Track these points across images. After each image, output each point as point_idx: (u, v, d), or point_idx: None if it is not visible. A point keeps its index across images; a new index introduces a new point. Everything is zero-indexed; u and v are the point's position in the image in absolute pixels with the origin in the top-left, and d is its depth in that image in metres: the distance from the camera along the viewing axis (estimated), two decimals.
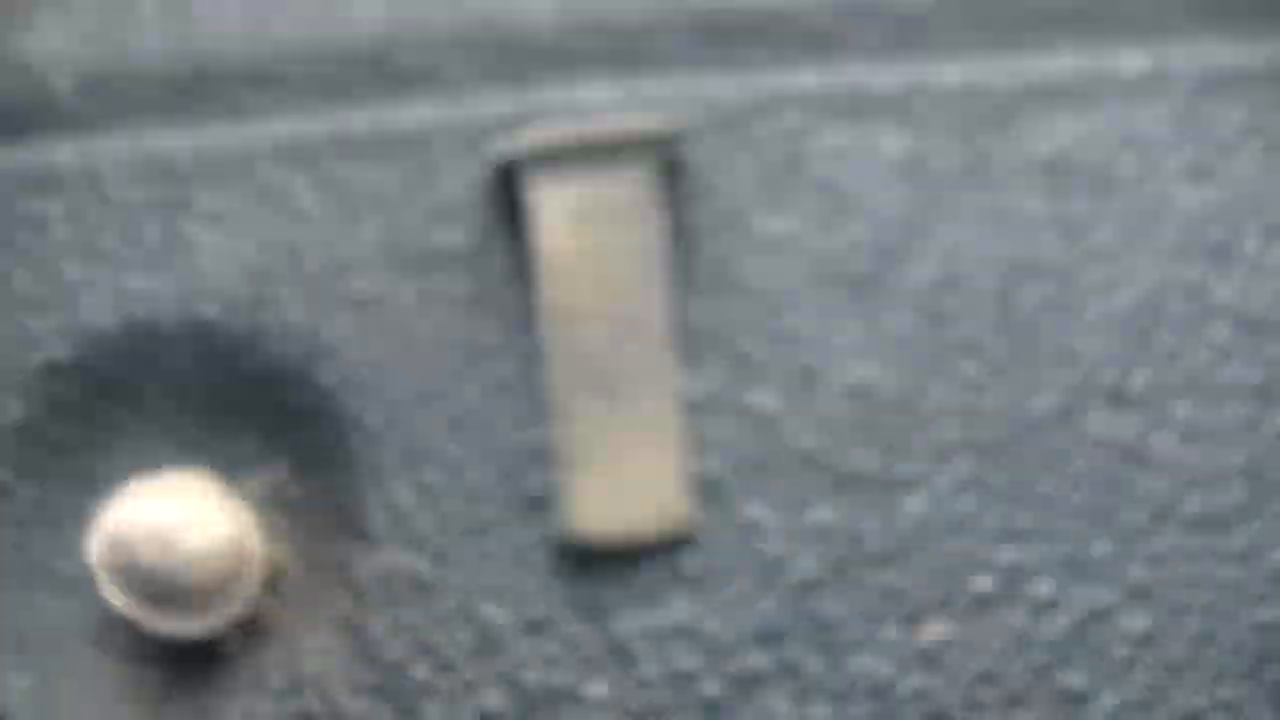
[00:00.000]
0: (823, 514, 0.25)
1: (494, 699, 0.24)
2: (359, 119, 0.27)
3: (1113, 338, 0.26)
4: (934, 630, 0.25)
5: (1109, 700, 0.24)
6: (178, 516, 0.25)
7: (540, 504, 0.25)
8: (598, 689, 0.24)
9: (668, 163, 0.26)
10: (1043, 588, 0.25)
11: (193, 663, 0.26)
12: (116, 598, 0.25)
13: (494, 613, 0.25)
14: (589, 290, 0.25)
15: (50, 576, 0.27)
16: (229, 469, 0.27)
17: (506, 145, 0.26)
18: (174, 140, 0.27)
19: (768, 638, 0.24)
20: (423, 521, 0.25)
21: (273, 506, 0.26)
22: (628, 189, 0.25)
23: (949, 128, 0.26)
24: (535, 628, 0.25)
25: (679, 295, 0.26)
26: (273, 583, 0.26)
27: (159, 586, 0.25)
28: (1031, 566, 0.25)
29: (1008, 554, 0.25)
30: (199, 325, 0.27)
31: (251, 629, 0.26)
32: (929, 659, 0.24)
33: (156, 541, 0.25)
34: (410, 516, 0.25)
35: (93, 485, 0.26)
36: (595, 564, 0.25)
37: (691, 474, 0.25)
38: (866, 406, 0.25)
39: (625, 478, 0.25)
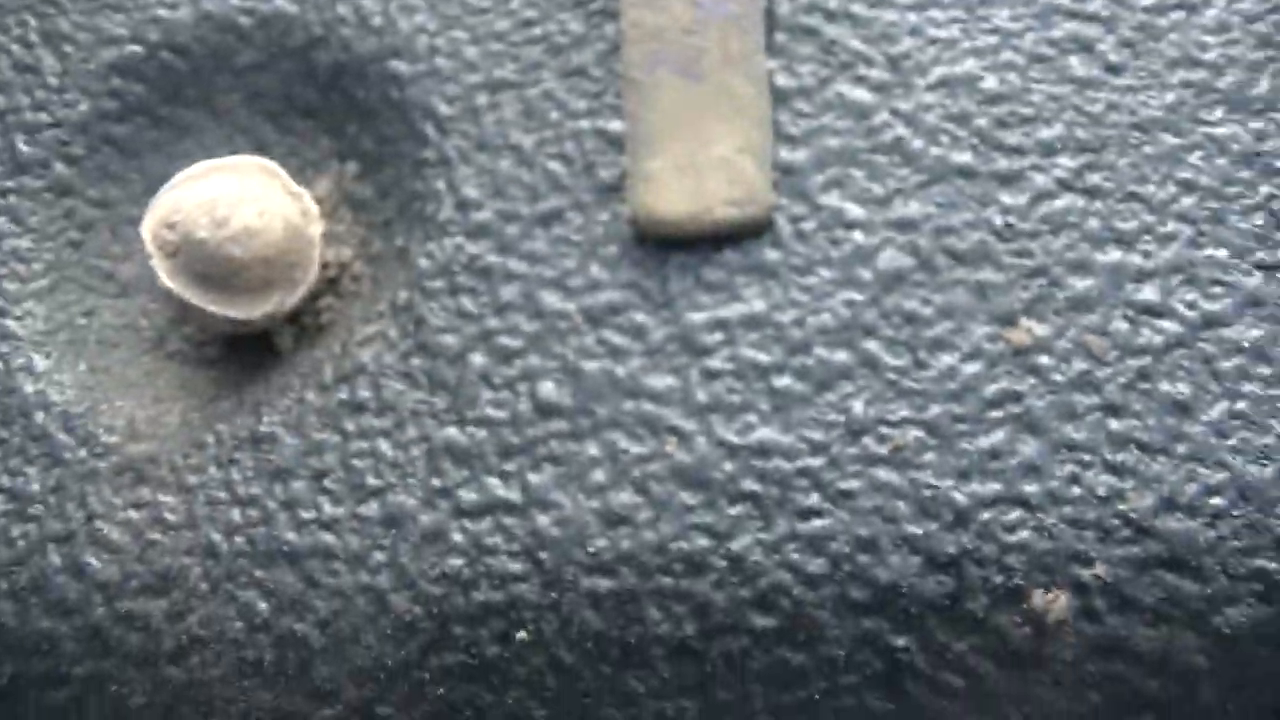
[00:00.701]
0: (912, 207, 0.23)
1: (553, 391, 0.23)
2: None
3: (1236, 40, 0.24)
4: (1027, 332, 0.23)
5: (1216, 411, 0.22)
6: (236, 192, 0.24)
7: (613, 193, 0.24)
8: (663, 381, 0.23)
9: None
10: (1147, 292, 0.23)
11: (245, 360, 0.25)
12: (172, 280, 0.24)
13: (559, 302, 0.23)
14: None
15: (108, 279, 0.26)
16: (298, 170, 0.26)
17: None
18: None
19: (847, 332, 0.23)
20: (490, 211, 0.24)
21: (342, 205, 0.26)
22: None
23: None
24: (600, 317, 0.23)
25: None
26: (333, 279, 0.25)
27: (213, 264, 0.24)
28: (1136, 270, 0.23)
29: (1111, 256, 0.23)
30: (275, 20, 0.26)
31: (308, 324, 0.25)
32: (1020, 362, 0.23)
33: (211, 215, 0.24)
34: (478, 206, 0.24)
35: (156, 189, 0.26)
36: (667, 252, 0.24)
37: (774, 162, 0.24)
38: (965, 100, 0.24)
39: (704, 160, 0.24)
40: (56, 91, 0.26)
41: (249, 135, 0.26)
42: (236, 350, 0.25)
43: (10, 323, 0.25)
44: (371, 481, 0.23)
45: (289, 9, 0.26)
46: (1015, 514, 0.22)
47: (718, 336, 0.23)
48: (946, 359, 0.23)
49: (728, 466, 0.22)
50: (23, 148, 0.26)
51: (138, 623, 0.23)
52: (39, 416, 0.24)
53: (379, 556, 0.22)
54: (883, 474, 0.22)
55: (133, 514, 0.23)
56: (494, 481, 0.23)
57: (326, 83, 0.26)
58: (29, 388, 0.24)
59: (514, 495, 0.22)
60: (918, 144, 0.24)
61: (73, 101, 0.26)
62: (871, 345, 0.23)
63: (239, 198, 0.24)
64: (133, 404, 0.24)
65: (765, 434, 0.22)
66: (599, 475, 0.22)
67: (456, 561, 0.22)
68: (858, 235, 0.23)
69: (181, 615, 0.22)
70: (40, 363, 0.25)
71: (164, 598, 0.23)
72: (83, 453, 0.24)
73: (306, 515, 0.23)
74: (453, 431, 0.23)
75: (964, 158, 0.24)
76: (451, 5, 0.25)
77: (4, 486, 0.23)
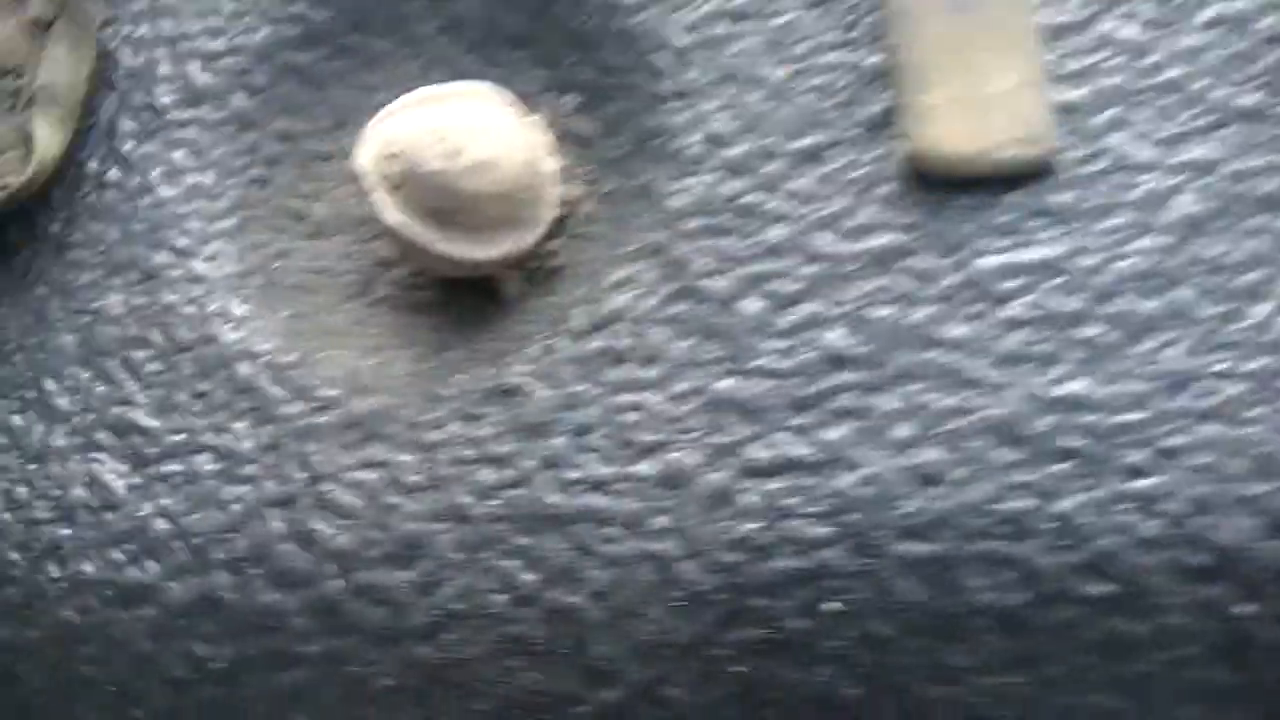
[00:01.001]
0: (1203, 150, 0.22)
1: (839, 338, 0.21)
2: None
3: None
4: None
5: None
6: (468, 120, 0.21)
7: (883, 127, 0.22)
8: (960, 329, 0.21)
9: None
10: None
11: (466, 306, 0.22)
12: (395, 217, 0.21)
13: (835, 244, 0.21)
14: None
15: (299, 218, 0.23)
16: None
17: None
18: None
19: (1153, 280, 0.21)
20: (745, 147, 0.22)
21: (563, 140, 0.23)
22: None
23: None
24: (883, 261, 0.21)
25: None
26: (562, 219, 0.23)
27: (446, 199, 0.21)
28: None
29: None
30: None
31: (537, 268, 0.22)
32: None
33: (443, 144, 0.21)
34: (730, 142, 0.22)
35: (348, 121, 0.23)
36: (947, 193, 0.22)
37: (1053, 101, 0.22)
38: (1243, 40, 0.23)
39: (982, 95, 0.22)
40: (234, 16, 0.23)
41: (448, 66, 0.24)
42: (455, 296, 0.22)
43: (200, 265, 0.22)
44: (644, 438, 0.20)
45: None
46: None
47: (1016, 282, 0.21)
48: (1262, 308, 0.21)
49: (1045, 421, 0.20)
50: (199, 76, 0.23)
51: (379, 596, 0.20)
52: (244, 367, 0.21)
53: (661, 521, 0.20)
54: (1212, 429, 0.20)
55: (365, 475, 0.20)
56: (786, 437, 0.20)
57: (537, 9, 0.23)
58: (229, 335, 0.21)
59: (810, 453, 0.20)
60: (1200, 85, 0.22)
61: (252, 27, 0.23)
62: (1182, 293, 0.21)
63: (473, 126, 0.21)
64: (349, 354, 0.21)
65: (1080, 386, 0.21)
66: (903, 430, 0.20)
67: (752, 525, 0.20)
68: (1150, 178, 0.22)
69: (432, 588, 0.20)
70: (238, 308, 0.21)
71: (410, 568, 0.20)
72: (299, 406, 0.21)
73: (571, 475, 0.20)
74: (732, 383, 0.21)
75: (1251, 100, 0.22)
76: None
77: (209, 444, 0.20)
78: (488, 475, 0.20)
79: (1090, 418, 0.20)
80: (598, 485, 0.20)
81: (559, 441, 0.20)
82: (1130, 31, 0.22)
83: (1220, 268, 0.21)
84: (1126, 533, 0.20)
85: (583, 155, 0.23)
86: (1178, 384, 0.20)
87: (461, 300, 0.22)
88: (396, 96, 0.23)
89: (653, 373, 0.21)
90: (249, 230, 0.23)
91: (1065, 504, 0.20)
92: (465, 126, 0.21)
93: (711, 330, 0.21)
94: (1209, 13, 0.22)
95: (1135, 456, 0.20)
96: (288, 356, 0.21)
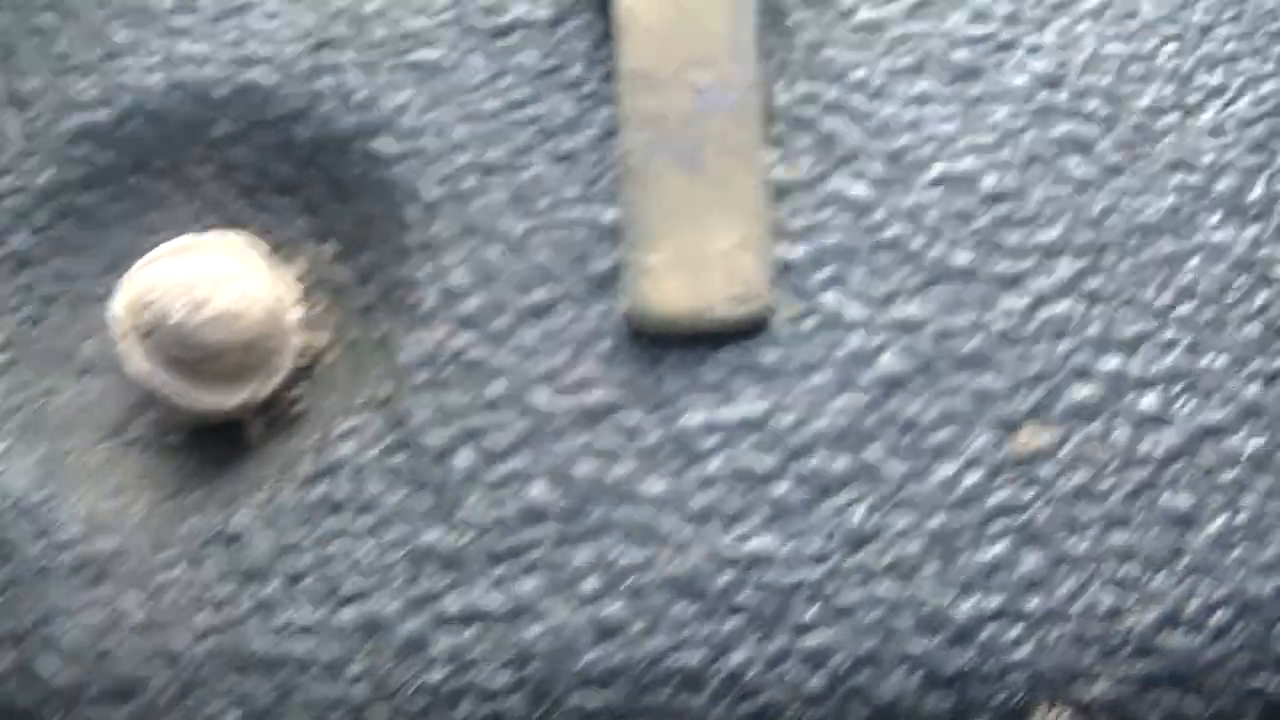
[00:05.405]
0: (911, 309, 0.23)
1: (542, 492, 0.22)
2: None
3: (1232, 144, 0.24)
4: (1029, 440, 0.22)
5: (1217, 524, 0.22)
6: (213, 272, 0.23)
7: (607, 285, 0.23)
8: (656, 485, 0.22)
9: None
10: (1149, 400, 0.22)
11: (212, 449, 0.24)
12: (140, 366, 0.23)
13: (549, 399, 0.23)
14: (672, 57, 0.24)
15: (67, 358, 0.25)
16: (272, 249, 0.25)
17: None
18: None
19: (847, 438, 0.22)
20: (477, 301, 0.23)
21: (317, 288, 0.25)
22: None
23: None
24: (593, 417, 0.22)
25: (767, 74, 0.24)
26: (310, 366, 0.24)
27: (188, 348, 0.23)
28: (1137, 378, 0.23)
29: (1111, 363, 0.23)
30: (251, 90, 0.25)
31: (280, 413, 0.24)
32: (1022, 471, 0.22)
33: (187, 296, 0.23)
34: (464, 295, 0.23)
35: (123, 262, 0.25)
36: (662, 349, 0.23)
37: (772, 259, 0.23)
38: (964, 200, 0.23)
39: (702, 254, 0.23)
40: (20, 156, 0.25)
41: (221, 210, 0.25)
42: (203, 438, 0.24)
43: None
44: (349, 586, 0.22)
45: (267, 80, 0.25)
46: (1017, 630, 0.21)
47: (715, 439, 0.22)
48: (948, 467, 0.22)
49: (724, 577, 0.22)
50: None
51: None
52: None
53: (356, 668, 0.21)
54: (883, 588, 0.21)
55: (92, 615, 0.22)
56: (481, 588, 0.22)
57: (305, 158, 0.25)
58: None
59: (501, 603, 0.22)
60: (918, 243, 0.23)
61: (36, 167, 0.25)
62: (873, 452, 0.22)
63: (221, 277, 0.23)
64: (94, 494, 0.23)
65: (762, 543, 0.22)
66: (591, 584, 0.22)
67: (438, 674, 0.21)
68: (857, 336, 0.23)
69: None
70: None
71: (124, 706, 0.21)
72: (40, 545, 0.22)
73: (280, 620, 0.22)
74: (436, 534, 0.22)
75: (964, 259, 0.23)
76: (439, 82, 0.25)
77: None
78: (205, 618, 0.22)
79: (769, 574, 0.21)
80: (303, 630, 0.22)
81: (273, 587, 0.22)
82: (858, 190, 0.23)
83: (912, 426, 0.22)
84: (793, 687, 0.21)
85: (335, 303, 0.24)
86: (857, 542, 0.22)
87: (207, 443, 0.24)
88: (170, 239, 0.24)
89: (366, 522, 0.22)
90: (17, 368, 0.24)
91: (736, 658, 0.21)
92: (214, 278, 0.23)
93: (424, 482, 0.22)
94: (935, 171, 0.23)
95: (808, 612, 0.21)
96: (38, 495, 0.23)
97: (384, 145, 0.24)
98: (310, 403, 0.24)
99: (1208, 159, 0.24)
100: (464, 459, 0.22)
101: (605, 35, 0.24)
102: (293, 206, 0.25)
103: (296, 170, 0.25)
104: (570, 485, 0.22)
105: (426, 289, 0.23)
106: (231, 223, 0.25)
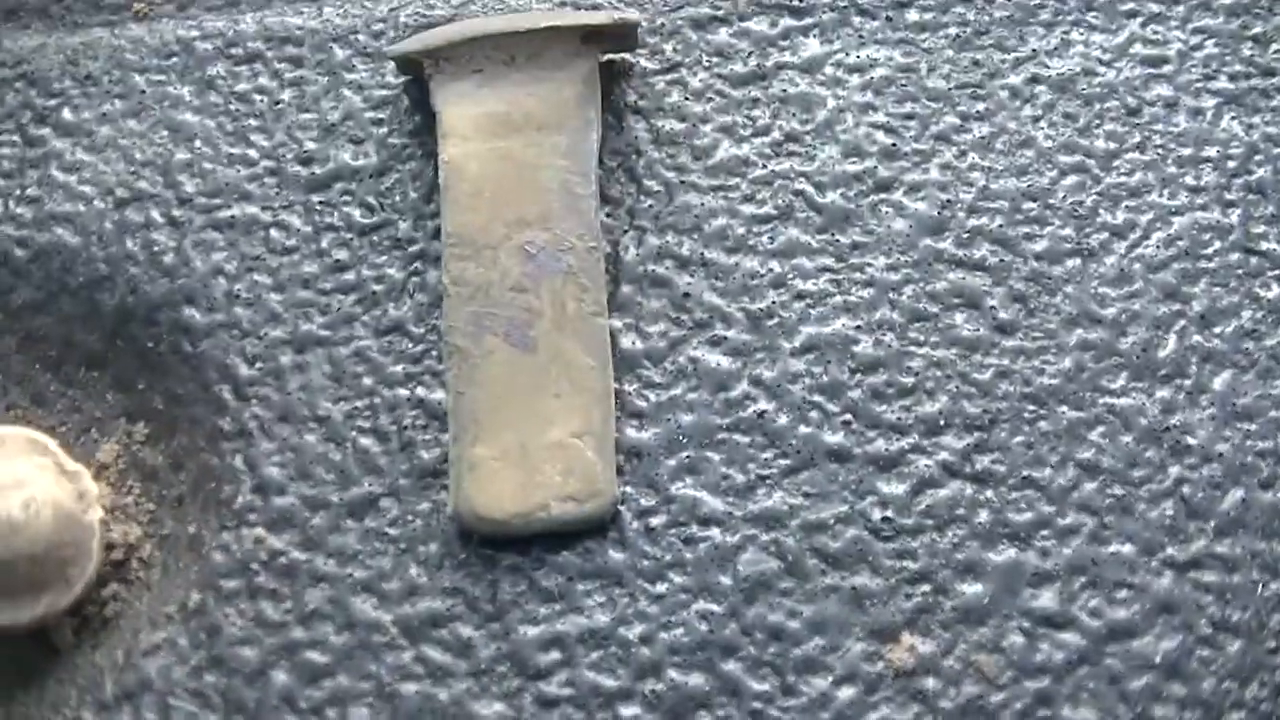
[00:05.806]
0: (776, 499, 0.20)
1: (366, 717, 0.20)
2: (249, 21, 0.23)
3: (1139, 292, 0.21)
4: (910, 649, 0.20)
5: None
6: (2, 478, 0.21)
7: (435, 477, 0.21)
8: (491, 707, 0.20)
9: (607, 65, 0.22)
10: (1046, 598, 0.20)
11: (17, 659, 0.22)
12: None
13: (373, 610, 0.20)
14: (499, 217, 0.21)
15: None
16: (81, 429, 0.22)
17: (409, 43, 0.22)
18: (39, 42, 0.23)
19: (704, 651, 0.20)
20: (294, 496, 0.21)
21: (130, 472, 0.22)
22: (555, 96, 0.21)
23: (945, 40, 0.22)
24: (420, 630, 0.20)
25: (611, 226, 0.22)
26: (120, 562, 0.22)
27: None
28: (1032, 572, 0.20)
29: (1003, 555, 0.20)
30: (53, 253, 0.23)
31: (91, 614, 0.22)
32: (902, 685, 0.20)
33: None
34: (279, 489, 0.21)
35: None
36: (496, 552, 0.20)
37: (619, 445, 0.21)
38: (835, 369, 0.21)
39: (535, 445, 0.20)
40: None
41: (25, 385, 0.23)
42: (7, 647, 0.22)
43: None
44: None
45: (70, 241, 0.22)
46: None
47: (556, 655, 0.20)
48: (818, 682, 0.20)
49: None
50: None
51: None
52: None
53: None
54: None
55: None
56: None
57: (112, 328, 0.22)
58: None
59: None
60: (783, 421, 0.21)
61: None
62: (732, 667, 0.20)
63: (7, 485, 0.20)
64: None
65: None
66: None
67: None
68: (714, 533, 0.20)
69: None
70: None
71: None
72: None
73: None
74: None
75: (835, 438, 0.21)
76: (253, 243, 0.22)
77: None
78: None
79: None
80: None
81: None
82: (716, 359, 0.21)
83: (778, 636, 0.20)
84: None
85: (146, 492, 0.22)
86: None
87: (13, 652, 0.22)
88: None
89: None
90: None
91: None
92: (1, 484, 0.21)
93: (238, 706, 0.20)
94: (802, 336, 0.21)
95: None
96: None
97: (193, 315, 0.22)
98: (122, 605, 0.21)
99: (1112, 311, 0.21)
100: (280, 678, 0.20)
101: (436, 185, 0.22)
102: (101, 381, 0.22)
103: (104, 342, 0.22)
104: (398, 708, 0.20)
105: (240, 482, 0.21)
106: (37, 398, 0.23)
